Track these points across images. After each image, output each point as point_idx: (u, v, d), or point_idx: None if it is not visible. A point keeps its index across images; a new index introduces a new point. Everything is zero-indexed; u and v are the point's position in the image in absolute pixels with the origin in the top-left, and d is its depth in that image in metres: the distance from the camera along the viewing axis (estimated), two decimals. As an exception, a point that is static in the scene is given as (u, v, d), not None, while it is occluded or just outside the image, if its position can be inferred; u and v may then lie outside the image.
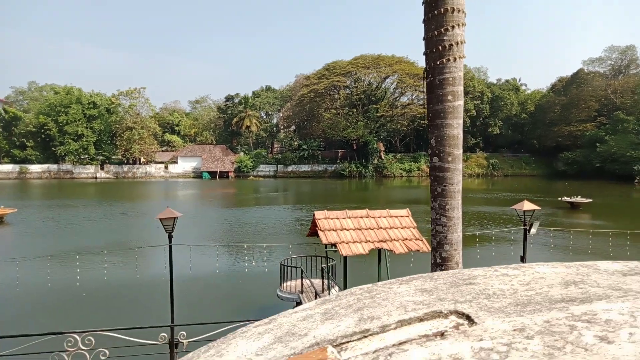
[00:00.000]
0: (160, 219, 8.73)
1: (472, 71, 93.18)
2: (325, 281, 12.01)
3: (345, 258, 8.80)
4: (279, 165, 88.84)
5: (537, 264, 2.17)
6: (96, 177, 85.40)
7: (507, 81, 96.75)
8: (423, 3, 5.44)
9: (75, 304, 15.17)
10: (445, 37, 5.25)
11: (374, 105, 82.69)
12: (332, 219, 8.51)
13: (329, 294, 11.85)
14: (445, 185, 5.38)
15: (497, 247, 20.88)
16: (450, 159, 5.36)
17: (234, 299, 15.70)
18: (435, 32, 5.30)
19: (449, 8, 5.22)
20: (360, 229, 8.40)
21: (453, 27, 5.23)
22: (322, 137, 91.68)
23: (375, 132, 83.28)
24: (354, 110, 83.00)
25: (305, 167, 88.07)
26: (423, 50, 5.53)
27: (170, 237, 8.94)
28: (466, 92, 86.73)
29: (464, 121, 78.34)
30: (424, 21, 5.45)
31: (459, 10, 5.25)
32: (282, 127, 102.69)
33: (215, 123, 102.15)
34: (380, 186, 68.04)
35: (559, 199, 39.40)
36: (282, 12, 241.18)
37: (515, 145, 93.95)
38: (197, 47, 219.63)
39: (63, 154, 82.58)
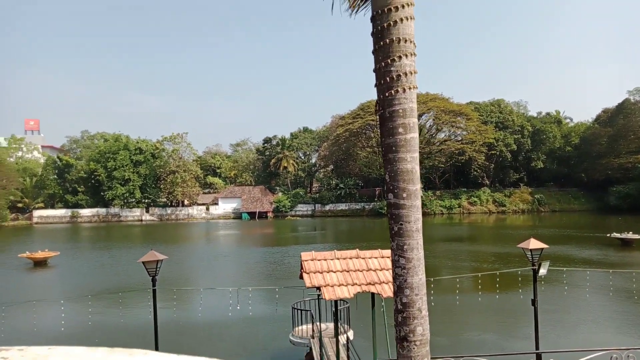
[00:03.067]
0: (143, 262, 8.69)
1: (510, 105, 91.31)
2: (338, 326, 11.47)
3: (335, 302, 8.36)
4: (316, 205, 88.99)
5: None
6: (142, 220, 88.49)
7: (548, 114, 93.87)
8: (372, 34, 5.28)
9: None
10: (392, 68, 5.03)
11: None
12: (319, 260, 8.16)
13: (344, 338, 11.28)
14: (401, 224, 4.99)
15: (504, 290, 19.52)
16: (404, 195, 5.00)
17: (247, 343, 15.28)
18: (383, 63, 5.10)
19: (394, 39, 5.02)
20: (348, 271, 7.98)
21: (400, 57, 5.01)
22: (359, 176, 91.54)
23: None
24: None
25: (342, 206, 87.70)
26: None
27: (154, 281, 8.85)
28: (505, 127, 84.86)
29: (504, 156, 76.34)
30: (373, 52, 5.27)
31: (405, 41, 5.04)
32: (319, 166, 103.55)
33: (254, 164, 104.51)
34: (419, 224, 66.21)
35: (609, 235, 36.76)
36: (318, 56, 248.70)
37: (562, 180, 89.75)
38: (240, 92, 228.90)
39: (111, 198, 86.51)
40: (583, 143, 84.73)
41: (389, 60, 5.05)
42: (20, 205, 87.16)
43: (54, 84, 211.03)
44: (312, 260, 8.24)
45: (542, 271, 9.02)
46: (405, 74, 5.02)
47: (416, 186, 5.02)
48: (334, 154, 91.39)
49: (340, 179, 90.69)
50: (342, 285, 7.69)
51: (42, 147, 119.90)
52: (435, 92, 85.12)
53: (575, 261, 28.07)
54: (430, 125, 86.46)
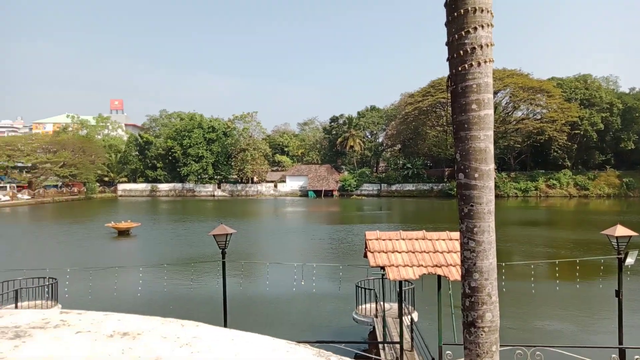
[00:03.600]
0: (214, 235, 9.08)
1: (598, 81, 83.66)
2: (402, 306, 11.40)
3: (400, 283, 8.24)
4: (382, 184, 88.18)
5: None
6: (214, 195, 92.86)
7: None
8: (445, 5, 4.97)
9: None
10: (467, 40, 4.72)
11: (484, 121, 78.21)
12: (383, 240, 8.05)
13: (408, 319, 11.20)
14: (472, 205, 4.76)
15: (584, 279, 18.06)
16: (476, 175, 4.75)
17: (311, 319, 15.64)
18: (456, 36, 4.79)
19: (469, 8, 4.69)
20: (413, 252, 7.80)
21: (475, 28, 4.68)
22: (427, 156, 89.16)
23: (485, 149, 78.53)
24: (461, 127, 79.39)
25: (409, 186, 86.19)
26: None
27: (223, 254, 9.24)
28: (592, 104, 78.11)
29: (589, 136, 70.71)
30: (446, 24, 4.97)
31: (482, 10, 4.69)
32: (386, 146, 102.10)
33: (321, 143, 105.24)
34: (491, 207, 63.60)
35: None
36: (387, 34, 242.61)
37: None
38: (308, 72, 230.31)
39: (186, 174, 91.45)
40: (683, 122, 76.17)
41: (462, 32, 4.74)
42: (106, 179, 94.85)
43: (136, 67, 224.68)
44: (376, 239, 8.16)
45: (630, 260, 8.25)
46: (481, 47, 4.69)
47: (489, 166, 4.75)
48: (402, 132, 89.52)
49: (408, 158, 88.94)
50: (407, 266, 7.55)
51: (125, 125, 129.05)
52: (512, 67, 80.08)
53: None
54: (506, 103, 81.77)
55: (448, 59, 5.01)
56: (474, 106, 4.71)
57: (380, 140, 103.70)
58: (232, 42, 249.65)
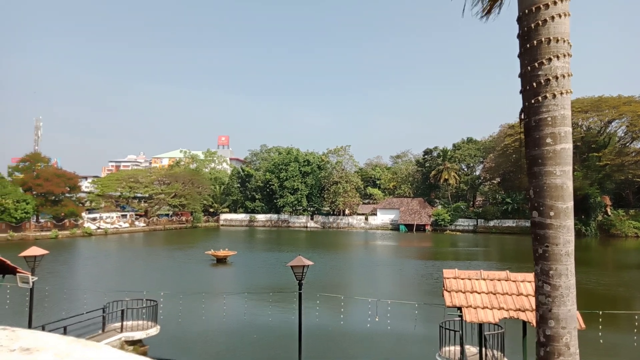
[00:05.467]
0: (291, 267, 9.32)
1: None
2: (488, 351, 10.64)
3: (480, 326, 7.71)
4: (479, 220, 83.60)
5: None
6: (306, 227, 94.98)
7: None
8: (517, 36, 4.85)
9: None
10: (540, 72, 4.55)
11: (595, 154, 71.36)
12: (462, 279, 7.64)
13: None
14: (547, 246, 4.45)
15: None
16: (552, 213, 4.45)
17: (391, 357, 15.11)
18: (529, 67, 4.65)
19: (543, 39, 4.53)
20: (494, 294, 7.28)
21: (550, 59, 4.50)
22: (529, 190, 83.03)
23: (598, 183, 71.28)
24: (570, 159, 73.09)
25: (509, 222, 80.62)
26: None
27: (300, 285, 9.41)
28: None
29: None
30: (519, 55, 4.84)
31: (557, 40, 4.50)
32: (484, 179, 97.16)
33: (413, 176, 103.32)
34: (606, 247, 57.09)
35: None
36: (483, 63, 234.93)
37: None
38: (402, 104, 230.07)
39: (282, 205, 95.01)
40: None
41: (536, 64, 4.60)
42: (211, 209, 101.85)
43: (243, 103, 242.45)
44: (454, 278, 7.79)
45: None
46: (556, 78, 4.49)
47: (567, 204, 4.43)
48: (501, 165, 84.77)
49: (508, 193, 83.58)
50: (487, 308, 7.08)
51: (230, 159, 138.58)
52: (629, 94, 72.65)
53: None
54: (622, 133, 74.03)
55: (521, 91, 4.85)
56: (548, 140, 4.49)
57: (477, 173, 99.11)
58: (325, 75, 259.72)
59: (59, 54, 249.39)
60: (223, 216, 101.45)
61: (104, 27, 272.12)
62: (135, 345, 13.67)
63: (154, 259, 40.36)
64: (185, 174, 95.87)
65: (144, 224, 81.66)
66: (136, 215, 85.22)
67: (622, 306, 21.52)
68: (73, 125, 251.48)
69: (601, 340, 13.51)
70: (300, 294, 9.63)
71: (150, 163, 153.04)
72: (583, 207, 70.66)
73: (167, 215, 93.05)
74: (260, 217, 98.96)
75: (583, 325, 6.14)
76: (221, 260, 38.10)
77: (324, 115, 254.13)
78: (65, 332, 11.52)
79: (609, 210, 72.45)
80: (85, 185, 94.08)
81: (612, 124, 73.37)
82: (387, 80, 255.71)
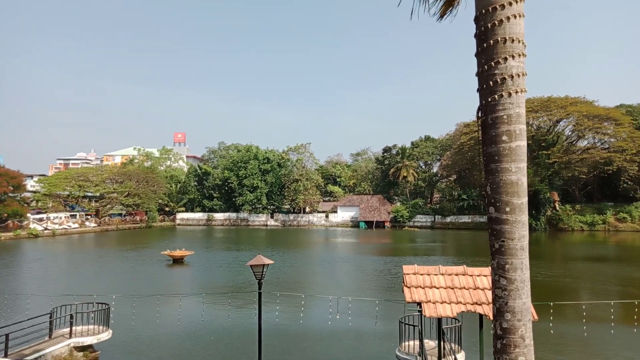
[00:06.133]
0: (251, 266, 9.17)
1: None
2: (446, 345, 10.85)
3: (438, 320, 7.85)
4: (436, 216, 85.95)
5: None
6: (266, 225, 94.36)
7: None
8: (475, 36, 4.92)
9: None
10: (496, 71, 4.63)
11: (545, 152, 74.86)
12: (421, 274, 7.77)
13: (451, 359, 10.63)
14: (503, 241, 4.55)
15: None
16: (508, 209, 4.55)
17: (351, 355, 15.20)
18: (486, 67, 4.72)
19: (499, 39, 4.61)
20: (452, 288, 7.45)
21: (506, 58, 4.59)
22: (484, 187, 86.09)
23: (548, 180, 74.86)
24: (520, 157, 76.27)
25: (465, 218, 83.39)
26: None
27: (259, 284, 9.28)
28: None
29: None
30: (476, 55, 4.91)
31: (512, 40, 4.60)
32: (441, 176, 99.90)
33: (373, 174, 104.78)
34: (554, 241, 60.00)
35: None
36: (440, 64, 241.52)
37: None
38: (360, 103, 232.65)
39: (241, 203, 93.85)
40: None
41: (492, 63, 4.68)
42: (167, 208, 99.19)
43: (199, 100, 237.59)
44: (414, 274, 7.90)
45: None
46: (512, 77, 4.58)
47: (522, 199, 4.53)
48: (457, 163, 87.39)
49: (464, 189, 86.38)
50: (445, 302, 7.22)
51: (187, 157, 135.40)
52: (575, 95, 76.67)
53: None
54: (570, 132, 78.08)
55: (478, 90, 4.93)
56: (504, 137, 4.57)
57: (434, 170, 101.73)
58: (287, 73, 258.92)
59: (6, 50, 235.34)
60: (179, 215, 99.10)
61: (58, 25, 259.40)
62: (86, 351, 13.05)
63: (106, 261, 38.80)
64: (139, 172, 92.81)
65: (95, 224, 78.46)
66: (86, 215, 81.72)
67: (570, 297, 22.63)
68: (18, 122, 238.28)
69: (552, 331, 14.13)
70: (260, 294, 9.49)
71: (102, 161, 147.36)
72: (533, 203, 73.97)
73: (120, 215, 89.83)
74: (219, 215, 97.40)
75: (536, 317, 6.35)
76: (178, 261, 37.14)
77: (284, 113, 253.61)
78: (7, 340, 10.80)
79: (557, 205, 76.21)
80: (31, 184, 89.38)
81: (560, 123, 77.10)
82: (348, 79, 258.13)
